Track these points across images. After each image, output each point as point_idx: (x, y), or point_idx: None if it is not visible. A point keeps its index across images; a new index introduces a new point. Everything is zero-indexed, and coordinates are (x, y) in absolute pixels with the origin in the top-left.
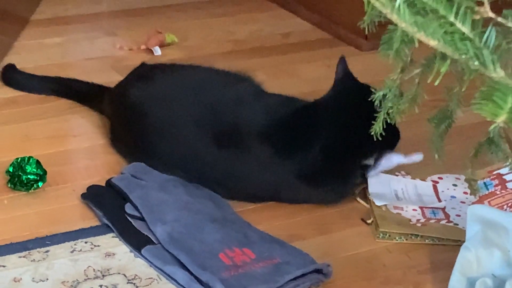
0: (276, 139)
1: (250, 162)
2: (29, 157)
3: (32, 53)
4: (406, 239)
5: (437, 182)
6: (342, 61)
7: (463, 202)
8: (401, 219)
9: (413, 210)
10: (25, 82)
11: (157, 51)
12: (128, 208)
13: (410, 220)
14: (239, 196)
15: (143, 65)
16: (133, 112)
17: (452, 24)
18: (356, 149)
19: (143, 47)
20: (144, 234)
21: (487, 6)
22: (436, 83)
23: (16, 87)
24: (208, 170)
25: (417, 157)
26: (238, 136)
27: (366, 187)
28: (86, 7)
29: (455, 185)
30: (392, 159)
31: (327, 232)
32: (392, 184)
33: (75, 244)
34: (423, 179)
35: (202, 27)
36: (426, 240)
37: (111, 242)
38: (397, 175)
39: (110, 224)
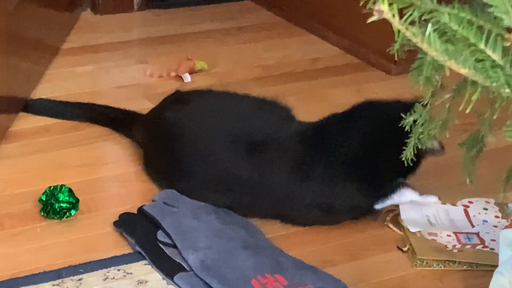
0: (307, 166)
1: (282, 187)
2: (62, 185)
3: (64, 82)
4: (444, 266)
5: (468, 207)
6: None
7: (496, 226)
8: (437, 246)
9: (447, 235)
10: (57, 109)
11: (187, 78)
12: (160, 236)
13: (446, 247)
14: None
15: (177, 92)
16: (169, 134)
17: (482, 52)
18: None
19: (173, 74)
20: (176, 261)
21: None
22: (467, 111)
23: (49, 115)
24: (242, 193)
25: (431, 199)
26: (270, 162)
27: (398, 214)
28: (116, 35)
29: (485, 209)
30: (406, 194)
31: (359, 258)
32: (423, 210)
33: (108, 272)
34: (454, 204)
35: (232, 53)
36: (464, 266)
37: (144, 270)
38: None
39: (142, 252)
